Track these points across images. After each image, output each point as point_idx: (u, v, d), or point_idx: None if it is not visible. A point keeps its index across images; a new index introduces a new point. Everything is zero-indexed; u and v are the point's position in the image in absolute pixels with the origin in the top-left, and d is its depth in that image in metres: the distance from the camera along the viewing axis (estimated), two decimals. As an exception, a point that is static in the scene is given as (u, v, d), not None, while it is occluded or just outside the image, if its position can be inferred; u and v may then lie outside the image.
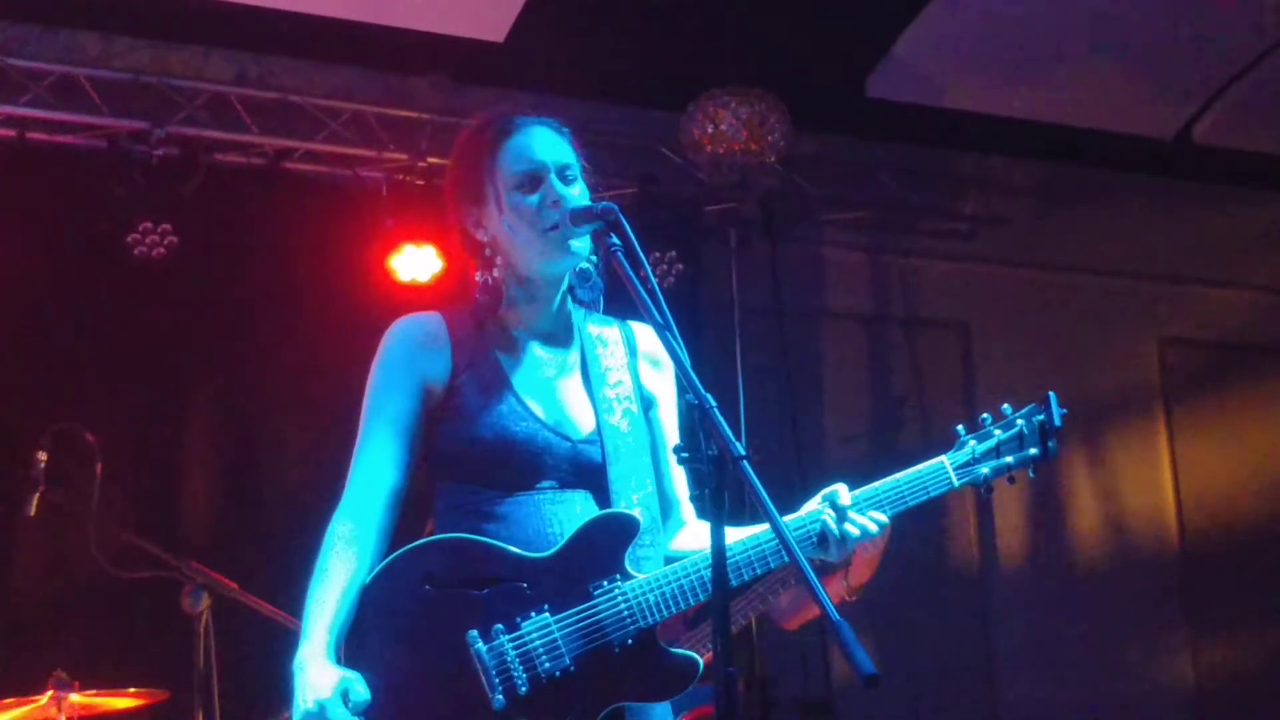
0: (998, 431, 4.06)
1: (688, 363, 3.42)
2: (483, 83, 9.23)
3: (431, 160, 8.95)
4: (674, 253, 9.30)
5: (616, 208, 3.75)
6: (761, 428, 8.75)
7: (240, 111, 8.68)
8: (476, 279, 4.02)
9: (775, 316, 9.93)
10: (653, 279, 3.57)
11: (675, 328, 3.48)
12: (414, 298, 8.31)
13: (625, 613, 3.74)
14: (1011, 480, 4.07)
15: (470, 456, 3.89)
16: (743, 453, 3.24)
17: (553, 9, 8.52)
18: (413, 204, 8.82)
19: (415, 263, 8.72)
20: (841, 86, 9.75)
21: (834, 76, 9.64)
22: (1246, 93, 10.29)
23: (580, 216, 3.83)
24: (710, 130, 9.16)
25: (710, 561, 3.34)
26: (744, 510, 3.50)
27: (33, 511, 6.72)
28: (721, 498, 3.29)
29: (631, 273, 3.58)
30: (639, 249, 3.62)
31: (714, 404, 3.32)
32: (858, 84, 9.77)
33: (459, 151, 4.13)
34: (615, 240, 3.67)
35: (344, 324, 8.12)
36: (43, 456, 6.70)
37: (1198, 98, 10.44)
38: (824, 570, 6.15)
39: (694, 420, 3.37)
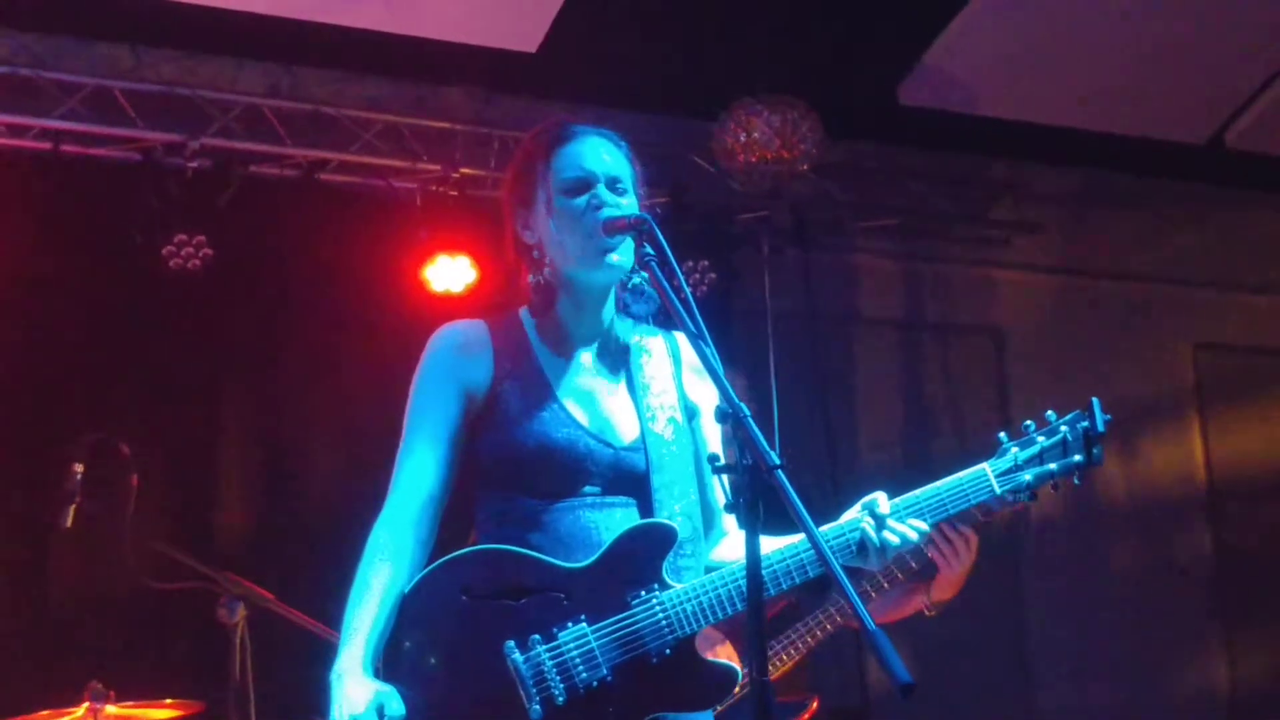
0: (1041, 438, 4.02)
1: (721, 372, 3.43)
2: (515, 93, 9.25)
3: (465, 171, 8.96)
4: (706, 261, 9.29)
5: (650, 217, 3.76)
6: (795, 436, 8.74)
7: (274, 123, 8.69)
8: (529, 280, 4.05)
9: (808, 324, 9.93)
10: (686, 288, 3.58)
11: (709, 336, 3.49)
12: (448, 308, 8.31)
13: (663, 623, 3.74)
14: (1056, 488, 4.03)
15: (512, 463, 3.90)
16: (778, 462, 3.24)
17: (585, 19, 8.51)
18: (446, 214, 8.84)
19: (449, 273, 8.72)
20: (873, 94, 9.73)
21: (866, 84, 9.62)
22: (1280, 97, 10.28)
23: (613, 226, 3.84)
24: (742, 138, 9.16)
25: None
26: (784, 519, 3.49)
27: (68, 523, 6.71)
28: (756, 507, 3.30)
29: (665, 282, 3.59)
30: (673, 258, 3.63)
31: (748, 413, 3.32)
32: (889, 91, 9.74)
33: (517, 156, 4.18)
34: (649, 249, 3.68)
35: (378, 334, 8.19)
36: (78, 468, 6.70)
37: (1231, 103, 10.41)
38: (907, 584, 6.23)
39: (729, 429, 3.37)
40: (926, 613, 6.45)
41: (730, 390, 3.37)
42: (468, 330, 4.07)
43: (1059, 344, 10.97)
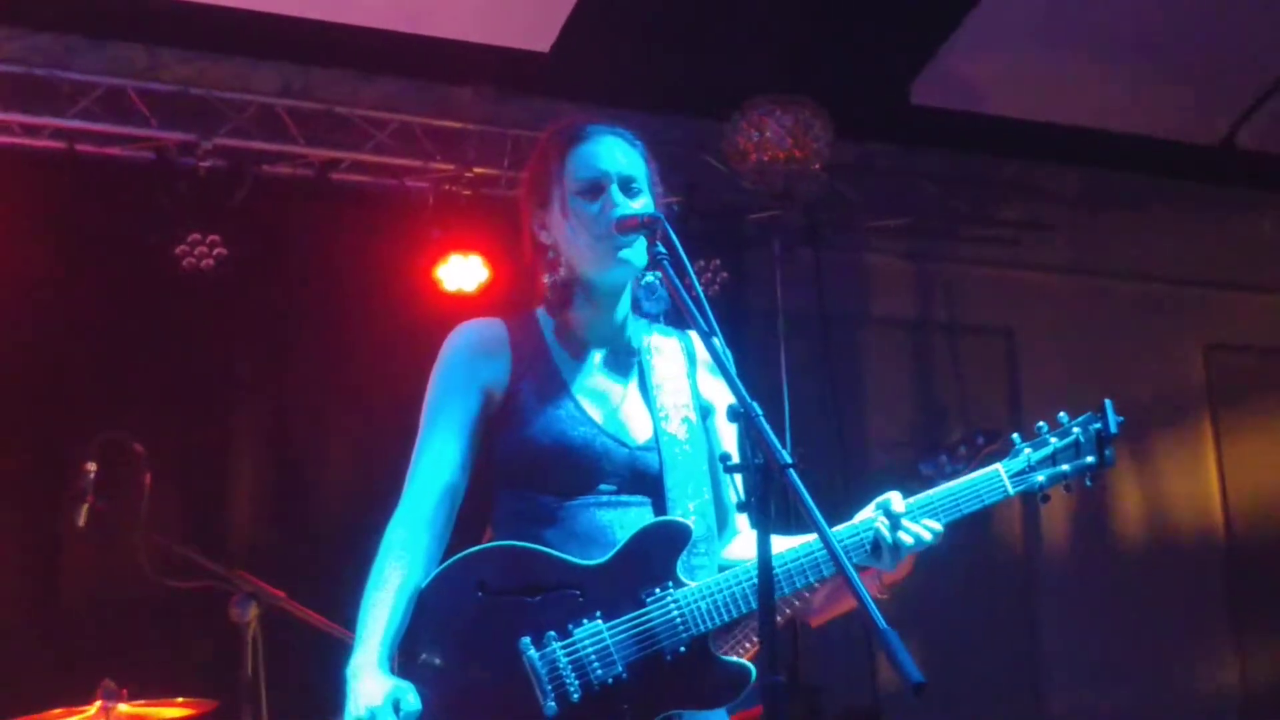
0: (1054, 439, 4.04)
1: (734, 370, 3.44)
2: (528, 93, 9.25)
3: (477, 170, 8.99)
4: (718, 261, 9.32)
5: (662, 217, 3.77)
6: (806, 435, 8.74)
7: (287, 123, 8.72)
8: (544, 280, 4.05)
9: (819, 324, 9.93)
10: (698, 287, 3.59)
11: (721, 335, 3.49)
12: (460, 307, 8.34)
13: (677, 620, 3.75)
14: (1068, 489, 4.04)
15: (528, 460, 3.91)
16: (789, 460, 3.25)
17: (597, 19, 8.53)
18: (459, 214, 8.87)
19: (461, 272, 8.76)
20: (885, 94, 9.74)
21: (877, 84, 9.62)
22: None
23: (625, 225, 3.85)
24: (755, 138, 9.18)
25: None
26: (793, 517, 3.50)
27: (81, 521, 6.71)
28: (767, 506, 3.30)
29: (677, 280, 3.60)
30: (685, 258, 3.64)
31: (760, 412, 3.33)
32: (901, 91, 9.75)
33: (533, 156, 4.18)
34: (661, 249, 3.69)
35: (390, 333, 8.22)
36: (91, 467, 6.70)
37: (1242, 103, 10.41)
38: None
39: (741, 428, 3.38)
40: (881, 596, 6.44)
41: (742, 389, 3.37)
42: (487, 329, 4.07)
43: (1070, 344, 10.97)
